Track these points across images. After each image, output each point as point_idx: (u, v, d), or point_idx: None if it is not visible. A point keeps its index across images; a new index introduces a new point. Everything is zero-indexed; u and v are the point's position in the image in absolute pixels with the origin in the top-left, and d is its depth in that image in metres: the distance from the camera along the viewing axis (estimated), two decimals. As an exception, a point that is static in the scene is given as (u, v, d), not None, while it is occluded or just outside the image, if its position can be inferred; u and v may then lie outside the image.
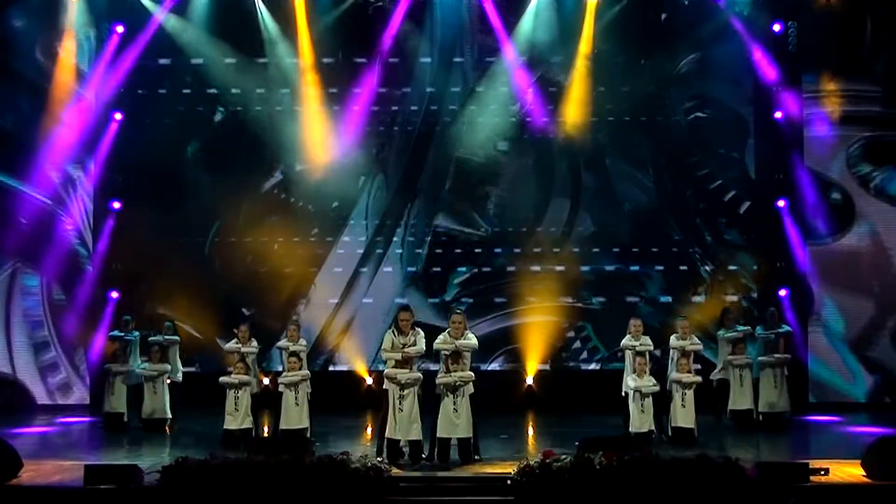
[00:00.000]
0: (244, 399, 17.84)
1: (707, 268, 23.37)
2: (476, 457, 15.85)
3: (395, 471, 14.37)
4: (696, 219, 23.54)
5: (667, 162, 23.67)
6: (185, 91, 23.66)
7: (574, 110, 23.25)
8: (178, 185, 23.37)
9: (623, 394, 18.10)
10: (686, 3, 23.26)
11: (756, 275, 23.30)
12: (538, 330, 23.00)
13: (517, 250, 23.52)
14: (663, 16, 23.54)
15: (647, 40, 23.41)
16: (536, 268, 23.37)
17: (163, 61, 23.50)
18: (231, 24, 23.25)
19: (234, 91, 23.50)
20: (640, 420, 17.56)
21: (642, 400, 17.60)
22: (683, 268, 23.46)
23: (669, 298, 22.75)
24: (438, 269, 23.70)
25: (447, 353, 16.01)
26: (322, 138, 23.33)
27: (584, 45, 23.16)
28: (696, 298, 21.57)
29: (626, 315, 19.50)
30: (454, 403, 15.73)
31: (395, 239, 23.67)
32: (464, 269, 23.56)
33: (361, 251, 23.63)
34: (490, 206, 23.78)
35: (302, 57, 23.26)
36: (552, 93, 23.56)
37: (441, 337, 16.10)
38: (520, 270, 23.49)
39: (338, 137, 23.36)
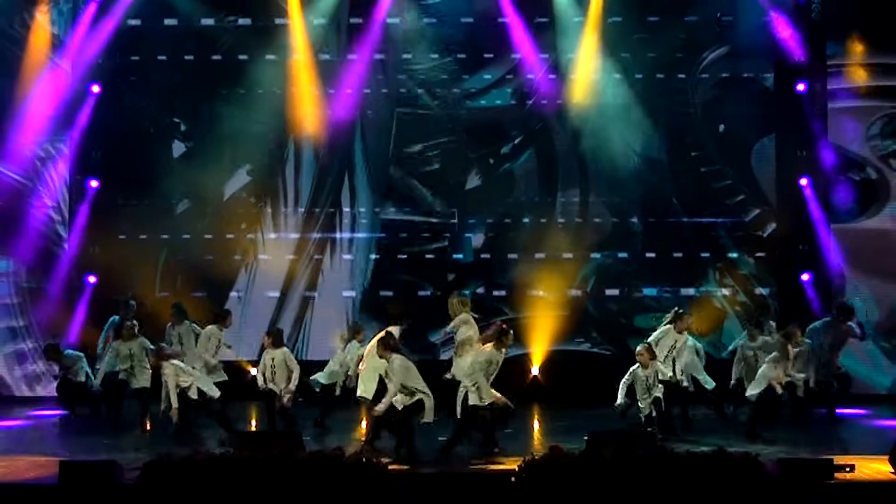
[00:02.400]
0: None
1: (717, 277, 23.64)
2: (495, 449, 16.14)
3: (392, 466, 14.34)
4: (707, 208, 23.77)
5: (682, 142, 23.78)
6: (168, 61, 23.71)
7: (583, 83, 23.40)
8: (158, 163, 23.60)
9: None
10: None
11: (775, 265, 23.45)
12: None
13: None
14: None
15: (663, 9, 23.56)
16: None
17: (144, 29, 23.51)
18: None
19: (218, 59, 23.75)
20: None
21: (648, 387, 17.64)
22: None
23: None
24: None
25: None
26: (312, 112, 23.40)
27: (594, 13, 23.19)
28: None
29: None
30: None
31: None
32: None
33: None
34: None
35: (293, 24, 23.40)
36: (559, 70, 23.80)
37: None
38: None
39: (329, 114, 23.44)
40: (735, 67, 23.65)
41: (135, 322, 19.99)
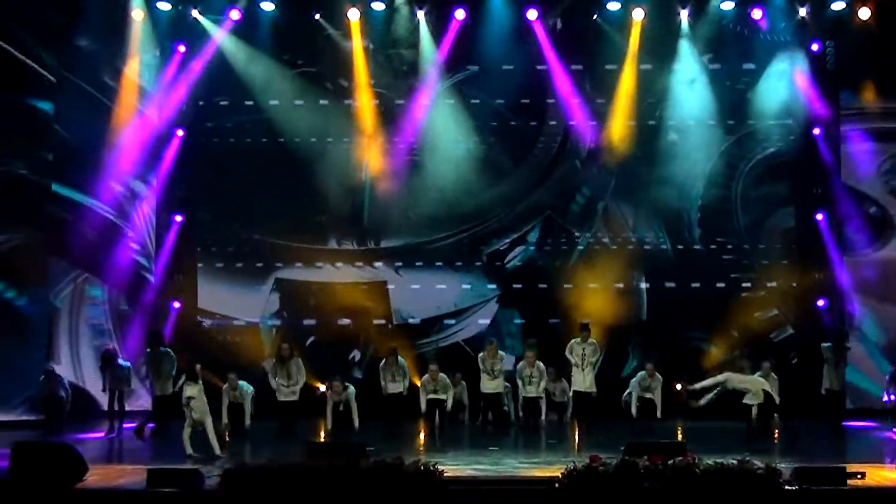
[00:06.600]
0: None
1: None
2: None
3: (446, 473, 14.34)
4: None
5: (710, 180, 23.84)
6: (245, 105, 23.87)
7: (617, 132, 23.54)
8: (238, 200, 23.80)
9: None
10: (734, 28, 23.29)
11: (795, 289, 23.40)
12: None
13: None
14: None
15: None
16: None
17: (223, 82, 23.65)
18: (294, 43, 23.76)
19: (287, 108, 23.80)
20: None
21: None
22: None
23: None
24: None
25: None
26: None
27: (630, 65, 23.38)
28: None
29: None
30: None
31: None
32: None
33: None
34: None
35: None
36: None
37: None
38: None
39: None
40: (755, 112, 23.66)
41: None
